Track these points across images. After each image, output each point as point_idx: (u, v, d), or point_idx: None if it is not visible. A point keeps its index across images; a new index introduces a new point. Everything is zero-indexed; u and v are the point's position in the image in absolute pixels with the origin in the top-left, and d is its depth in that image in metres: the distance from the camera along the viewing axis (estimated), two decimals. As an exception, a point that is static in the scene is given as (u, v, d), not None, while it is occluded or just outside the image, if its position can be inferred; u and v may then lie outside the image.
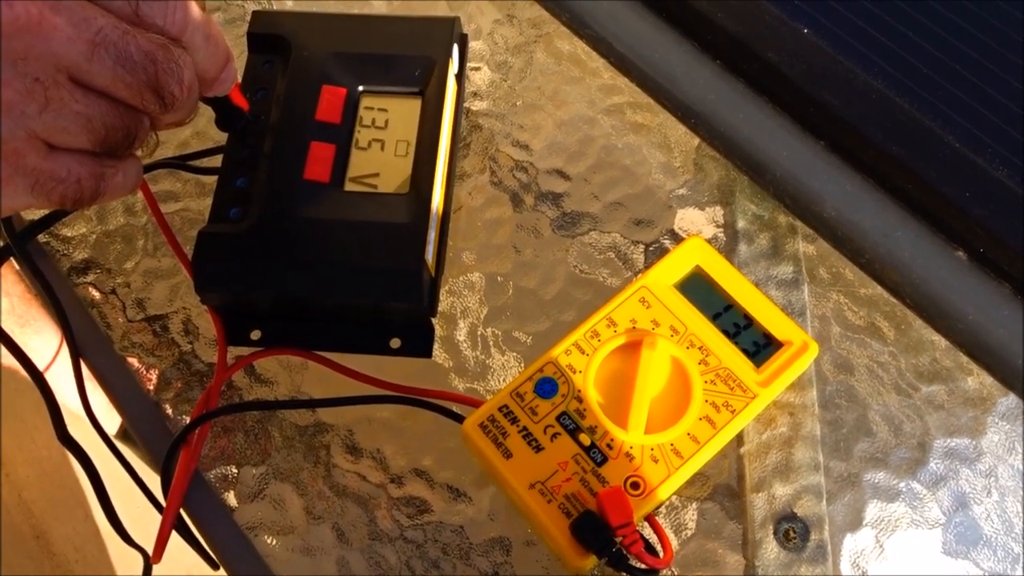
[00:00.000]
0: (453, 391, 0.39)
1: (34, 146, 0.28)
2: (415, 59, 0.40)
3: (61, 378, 0.49)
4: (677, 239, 0.42)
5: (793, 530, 0.36)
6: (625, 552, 0.32)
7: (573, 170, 0.44)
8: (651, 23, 0.43)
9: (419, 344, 0.39)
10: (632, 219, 0.42)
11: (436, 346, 0.40)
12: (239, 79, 0.37)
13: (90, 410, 0.42)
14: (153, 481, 0.40)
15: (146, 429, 0.40)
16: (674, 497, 0.37)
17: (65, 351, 0.42)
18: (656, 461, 0.34)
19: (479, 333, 0.41)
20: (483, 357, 0.40)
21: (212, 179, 0.40)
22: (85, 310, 0.43)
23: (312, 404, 0.40)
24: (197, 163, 0.44)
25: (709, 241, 0.39)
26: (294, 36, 0.40)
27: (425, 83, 0.40)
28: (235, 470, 0.39)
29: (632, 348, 0.36)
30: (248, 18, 0.42)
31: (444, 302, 0.41)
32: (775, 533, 0.36)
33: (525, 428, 0.34)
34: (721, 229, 0.42)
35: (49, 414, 0.40)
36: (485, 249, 0.42)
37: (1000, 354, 0.36)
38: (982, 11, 0.41)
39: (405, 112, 0.40)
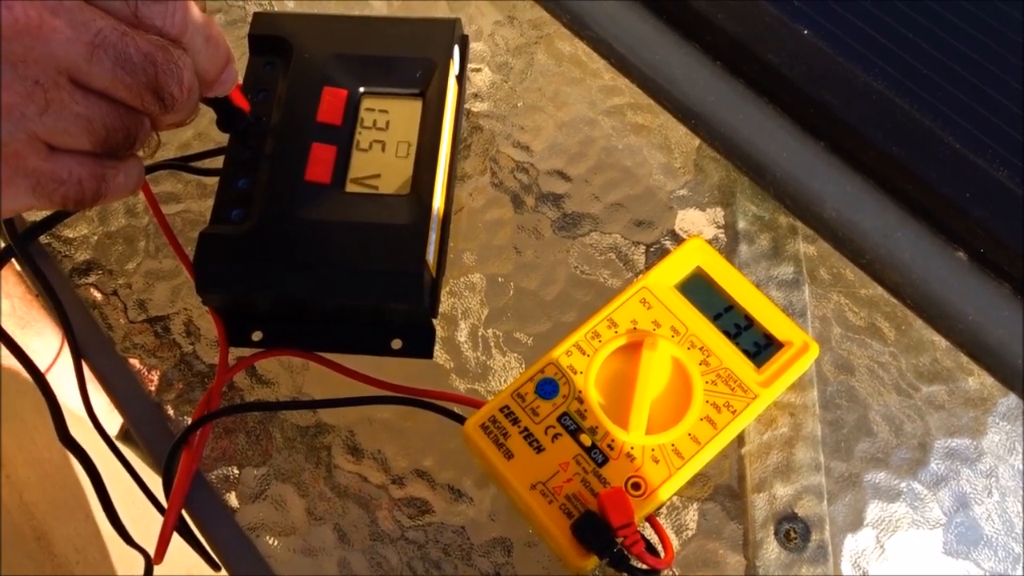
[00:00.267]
0: (454, 392, 0.39)
1: (35, 148, 0.28)
2: (416, 61, 0.40)
3: (62, 379, 0.49)
4: (678, 240, 0.42)
5: (794, 530, 0.36)
6: (626, 552, 0.32)
7: (574, 171, 0.44)
8: (652, 24, 0.43)
9: (420, 345, 0.39)
10: (633, 220, 0.42)
11: (437, 347, 0.40)
12: (240, 80, 0.37)
13: (91, 411, 0.42)
14: (154, 482, 0.40)
15: (147, 430, 0.40)
16: (675, 497, 0.37)
17: (66, 352, 0.42)
18: (657, 462, 0.34)
19: (480, 334, 0.41)
20: (484, 358, 0.40)
21: (213, 180, 0.40)
22: (86, 311, 0.43)
23: (313, 405, 0.40)
24: (198, 164, 0.44)
25: (710, 242, 0.39)
26: (295, 38, 0.41)
27: (426, 84, 0.40)
28: (236, 471, 0.39)
29: (633, 349, 0.36)
30: (249, 20, 0.42)
31: (445, 303, 0.41)
32: (776, 533, 0.36)
33: (526, 429, 0.34)
34: (722, 230, 0.42)
35: (50, 415, 0.40)
36: (486, 250, 0.42)
37: (1000, 354, 0.36)
38: (981, 12, 0.41)
39: (406, 113, 0.40)
